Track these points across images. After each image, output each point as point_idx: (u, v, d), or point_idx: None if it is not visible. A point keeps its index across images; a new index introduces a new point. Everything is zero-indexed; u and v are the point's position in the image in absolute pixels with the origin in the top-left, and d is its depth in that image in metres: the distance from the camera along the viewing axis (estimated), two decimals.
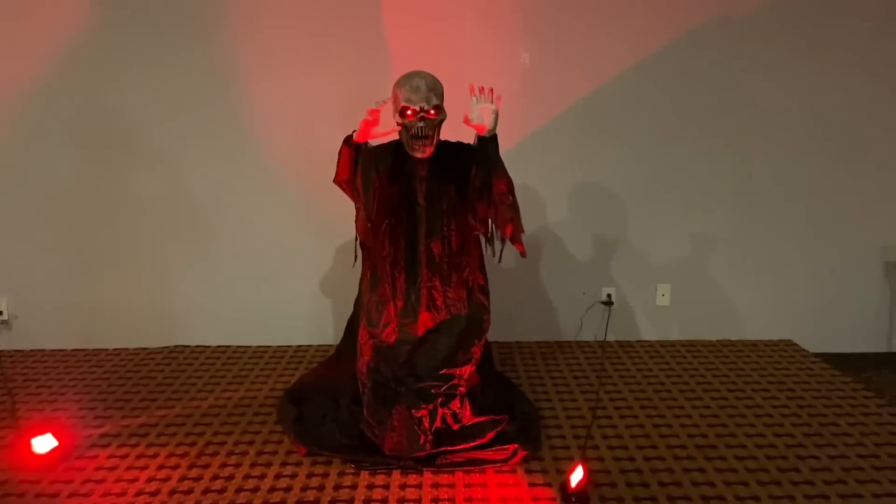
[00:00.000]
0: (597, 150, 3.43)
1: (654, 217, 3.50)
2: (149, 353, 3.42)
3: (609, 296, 3.54)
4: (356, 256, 2.52)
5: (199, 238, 3.44)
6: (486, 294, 2.59)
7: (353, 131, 2.33)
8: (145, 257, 3.44)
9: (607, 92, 3.36)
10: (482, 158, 2.38)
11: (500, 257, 2.53)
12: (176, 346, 3.50)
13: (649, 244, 3.53)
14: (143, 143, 3.32)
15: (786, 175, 3.47)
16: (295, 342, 3.54)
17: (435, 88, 2.41)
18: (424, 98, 2.37)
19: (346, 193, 2.47)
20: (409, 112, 2.38)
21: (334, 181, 2.44)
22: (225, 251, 3.45)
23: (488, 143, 2.37)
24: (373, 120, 2.28)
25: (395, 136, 2.48)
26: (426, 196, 2.51)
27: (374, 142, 2.39)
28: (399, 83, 2.42)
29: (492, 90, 2.36)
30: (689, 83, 3.37)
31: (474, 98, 2.36)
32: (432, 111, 2.38)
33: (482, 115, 2.34)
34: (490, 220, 2.49)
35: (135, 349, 3.47)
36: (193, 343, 3.52)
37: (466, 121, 2.36)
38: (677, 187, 3.48)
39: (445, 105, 2.44)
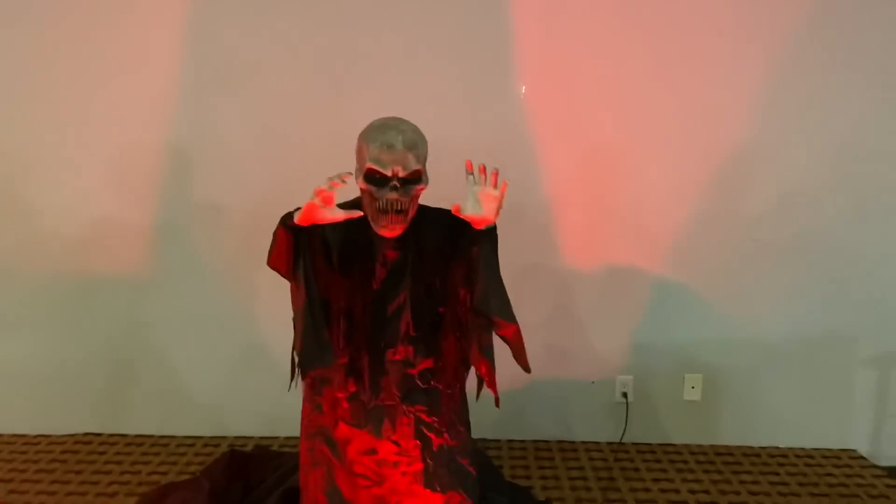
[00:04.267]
0: None
1: None
2: None
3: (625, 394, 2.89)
4: (294, 375, 1.84)
5: None
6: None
7: (296, 209, 1.68)
8: None
9: None
10: (482, 277, 1.74)
11: (478, 396, 1.94)
12: None
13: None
14: None
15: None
16: None
17: (416, 147, 1.75)
18: (400, 159, 1.71)
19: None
20: (377, 177, 1.73)
21: (268, 264, 1.78)
22: None
23: (484, 240, 1.75)
24: (321, 203, 1.62)
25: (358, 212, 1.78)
26: (388, 286, 1.86)
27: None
28: (367, 135, 1.77)
29: (496, 172, 1.75)
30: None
31: (471, 178, 1.75)
32: (410, 177, 1.74)
33: (482, 202, 1.73)
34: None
35: None
36: None
37: (457, 211, 1.72)
38: None
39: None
